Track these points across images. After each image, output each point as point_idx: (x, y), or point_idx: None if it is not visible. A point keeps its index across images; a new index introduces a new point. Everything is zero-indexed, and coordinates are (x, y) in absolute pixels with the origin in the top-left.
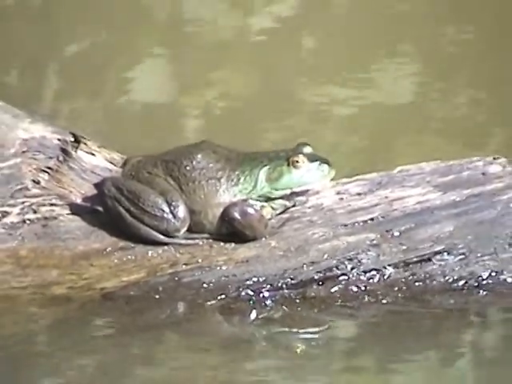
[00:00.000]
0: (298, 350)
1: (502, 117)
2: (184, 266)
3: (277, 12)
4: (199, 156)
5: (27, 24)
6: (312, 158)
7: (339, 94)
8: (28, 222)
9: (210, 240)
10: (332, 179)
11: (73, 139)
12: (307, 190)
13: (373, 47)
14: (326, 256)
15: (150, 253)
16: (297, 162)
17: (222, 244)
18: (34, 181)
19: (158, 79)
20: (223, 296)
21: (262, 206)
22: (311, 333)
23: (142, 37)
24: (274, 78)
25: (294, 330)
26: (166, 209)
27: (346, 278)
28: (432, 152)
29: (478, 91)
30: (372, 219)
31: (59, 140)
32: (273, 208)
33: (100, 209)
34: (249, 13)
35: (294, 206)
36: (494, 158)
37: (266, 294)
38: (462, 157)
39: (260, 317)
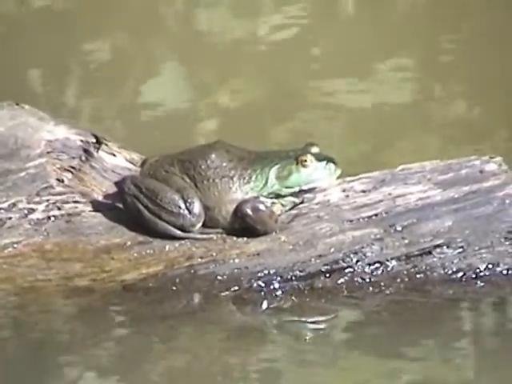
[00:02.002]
0: (307, 338)
1: (499, 117)
2: (199, 260)
3: (286, 18)
4: (213, 155)
5: (50, 30)
6: (319, 158)
7: (344, 96)
8: (53, 218)
9: (224, 235)
10: (338, 177)
11: (94, 140)
12: (315, 188)
13: (376, 51)
14: (332, 249)
15: (167, 247)
16: (305, 161)
17: (234, 238)
18: (58, 179)
19: (174, 84)
20: (236, 287)
21: (273, 203)
22: (319, 322)
23: (157, 44)
24: (283, 81)
25: (303, 319)
26: (182, 205)
27: (352, 270)
28: (432, 151)
29: (477, 93)
30: (376, 215)
31: (82, 141)
32: (282, 205)
33: (120, 206)
34: (259, 19)
35: (302, 202)
36: (491, 157)
37: (277, 286)
38: (460, 156)
39: (271, 307)
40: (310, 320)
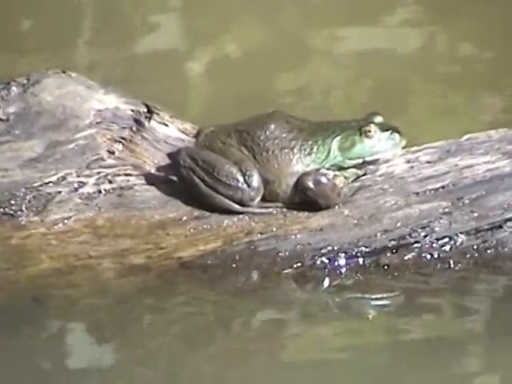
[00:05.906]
0: (370, 317)
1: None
2: (259, 235)
3: None
4: (272, 126)
5: None
6: (383, 128)
7: (349, 43)
8: (104, 192)
9: (284, 209)
10: (402, 148)
11: (146, 110)
12: (378, 159)
13: None
14: (399, 224)
15: (225, 222)
16: (369, 131)
17: (295, 213)
18: (108, 151)
19: (173, 31)
20: (299, 264)
21: (335, 175)
22: (384, 299)
23: None
24: (286, 29)
25: (368, 296)
26: (241, 178)
27: (419, 245)
28: (438, 99)
29: (483, 40)
30: (443, 187)
31: (132, 111)
32: (345, 177)
33: (174, 179)
34: None
35: (365, 174)
36: None
37: (341, 262)
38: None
39: (334, 284)
40: (374, 298)
